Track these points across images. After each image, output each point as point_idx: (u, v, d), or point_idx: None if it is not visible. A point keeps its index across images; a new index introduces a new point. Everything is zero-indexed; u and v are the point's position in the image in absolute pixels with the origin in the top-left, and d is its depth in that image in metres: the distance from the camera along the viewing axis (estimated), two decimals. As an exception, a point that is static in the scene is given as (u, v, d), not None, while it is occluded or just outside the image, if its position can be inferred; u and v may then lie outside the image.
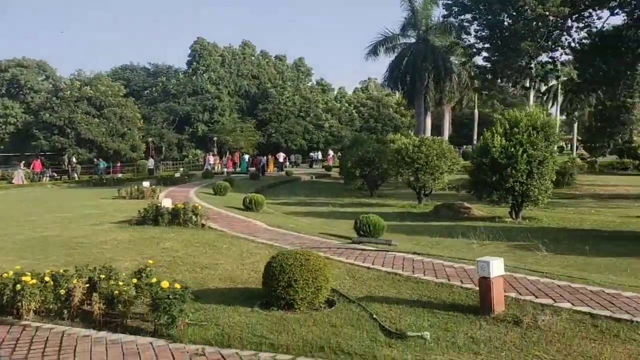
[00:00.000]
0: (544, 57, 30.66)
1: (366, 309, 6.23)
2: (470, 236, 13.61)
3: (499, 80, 29.21)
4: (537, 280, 7.25)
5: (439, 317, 5.96)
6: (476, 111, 57.27)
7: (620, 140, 44.67)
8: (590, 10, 28.95)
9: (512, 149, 16.43)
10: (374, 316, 5.98)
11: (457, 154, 29.53)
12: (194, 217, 13.04)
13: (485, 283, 5.98)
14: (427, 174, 22.66)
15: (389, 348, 5.15)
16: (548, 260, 11.43)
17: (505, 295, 6.33)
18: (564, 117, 79.09)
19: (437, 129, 50.12)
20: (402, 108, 69.35)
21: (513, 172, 16.42)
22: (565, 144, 71.00)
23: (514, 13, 24.25)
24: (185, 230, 12.55)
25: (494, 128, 17.59)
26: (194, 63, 73.63)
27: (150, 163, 48.03)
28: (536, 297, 6.39)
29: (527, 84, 32.48)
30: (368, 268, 8.19)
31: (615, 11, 28.85)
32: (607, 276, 9.25)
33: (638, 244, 13.51)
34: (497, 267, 5.96)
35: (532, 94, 53.12)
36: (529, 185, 16.65)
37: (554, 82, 61.01)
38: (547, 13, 22.03)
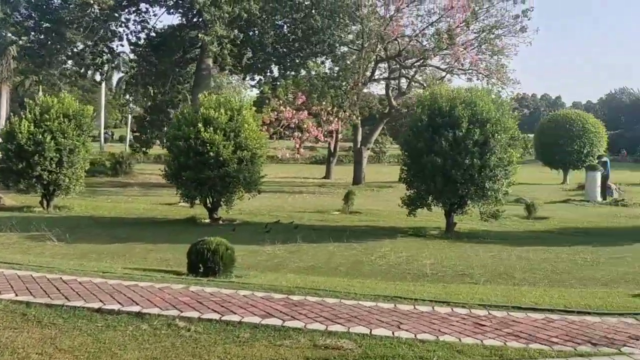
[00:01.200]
0: (102, 47, 30.82)
1: None
2: (-17, 229, 12.60)
3: (49, 65, 27.78)
4: (7, 272, 7.02)
5: None
6: (41, 94, 53.79)
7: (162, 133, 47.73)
8: (147, 5, 30.43)
9: (41, 136, 15.83)
10: None
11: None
12: None
13: None
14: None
15: None
16: (57, 249, 11.41)
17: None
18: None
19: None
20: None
21: (41, 160, 15.87)
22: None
23: (62, -3, 23.49)
24: None
25: (22, 112, 16.68)
26: None
27: None
28: (-14, 292, 6.13)
29: (82, 72, 31.89)
30: None
31: (171, 10, 31.06)
32: (105, 262, 9.80)
33: (144, 229, 14.72)
34: None
35: (101, 82, 52.67)
36: (59, 174, 16.37)
37: (122, 73, 62.11)
38: (92, 2, 22.01)
